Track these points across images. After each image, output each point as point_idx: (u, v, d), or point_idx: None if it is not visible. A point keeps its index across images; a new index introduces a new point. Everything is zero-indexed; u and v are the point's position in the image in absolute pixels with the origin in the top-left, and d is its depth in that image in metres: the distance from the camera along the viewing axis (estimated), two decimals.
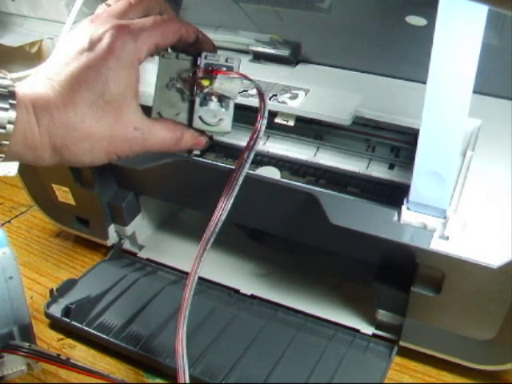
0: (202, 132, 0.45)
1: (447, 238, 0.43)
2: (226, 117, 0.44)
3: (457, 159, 0.43)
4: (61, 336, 0.56)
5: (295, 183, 0.50)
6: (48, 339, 0.55)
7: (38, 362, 0.50)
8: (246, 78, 0.43)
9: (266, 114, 0.44)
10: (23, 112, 0.36)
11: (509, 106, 0.50)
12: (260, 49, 0.61)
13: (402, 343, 0.51)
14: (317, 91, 0.55)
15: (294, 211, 0.50)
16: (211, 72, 0.43)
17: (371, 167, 0.55)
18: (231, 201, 0.45)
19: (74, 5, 0.59)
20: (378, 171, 0.55)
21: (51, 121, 0.37)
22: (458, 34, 0.36)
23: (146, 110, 0.43)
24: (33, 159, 0.38)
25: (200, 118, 0.44)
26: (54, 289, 0.57)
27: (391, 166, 0.55)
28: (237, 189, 0.45)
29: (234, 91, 0.43)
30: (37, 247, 0.68)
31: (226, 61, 0.43)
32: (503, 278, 0.41)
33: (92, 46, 0.38)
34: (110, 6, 0.42)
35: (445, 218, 0.44)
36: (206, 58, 0.43)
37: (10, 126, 0.35)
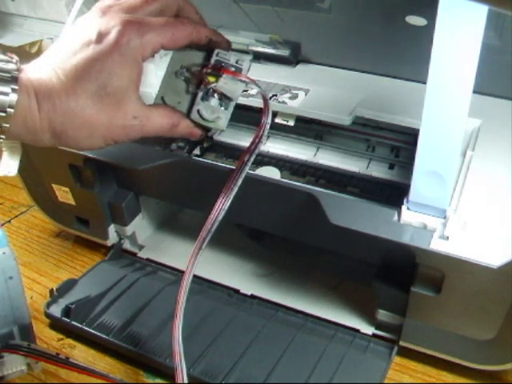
0: (198, 125, 0.45)
1: (447, 238, 0.43)
2: (224, 115, 0.45)
3: (457, 159, 0.43)
4: (61, 336, 0.56)
5: (295, 183, 0.50)
6: (48, 339, 0.55)
7: (38, 362, 0.50)
8: (252, 82, 0.44)
9: (269, 120, 0.44)
10: (25, 97, 0.37)
11: (509, 105, 0.50)
12: (260, 49, 0.61)
13: (402, 343, 0.51)
14: (317, 91, 0.55)
15: (294, 211, 0.50)
16: (219, 70, 0.43)
17: (371, 167, 0.55)
18: (229, 201, 0.45)
19: (73, 5, 0.59)
20: (378, 171, 0.55)
21: (52, 108, 0.38)
22: (458, 34, 0.36)
23: None
24: (32, 141, 0.40)
25: (198, 111, 0.44)
26: (54, 289, 0.57)
27: (391, 166, 0.55)
28: (235, 190, 0.45)
29: (236, 93, 0.44)
30: (37, 247, 0.68)
31: (237, 62, 0.44)
32: (503, 278, 0.41)
33: (99, 39, 0.39)
34: None
35: (445, 217, 0.44)
36: (217, 54, 0.44)
37: (10, 110, 0.36)
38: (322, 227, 0.46)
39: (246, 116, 0.53)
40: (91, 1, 0.58)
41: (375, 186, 0.54)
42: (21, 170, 0.56)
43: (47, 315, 0.56)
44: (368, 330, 0.54)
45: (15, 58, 0.38)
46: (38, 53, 0.68)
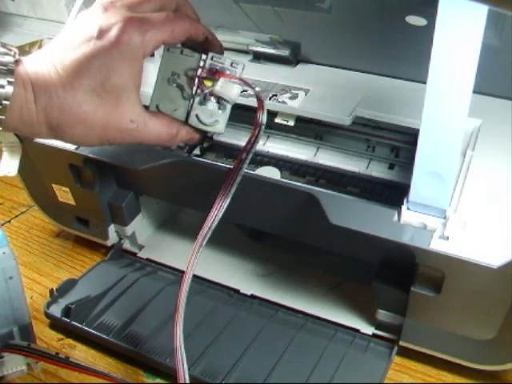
0: (196, 130, 0.45)
1: (447, 238, 0.43)
2: (222, 118, 0.45)
3: (457, 159, 0.43)
4: (61, 336, 0.56)
5: (295, 183, 0.50)
6: (48, 339, 0.55)
7: (38, 362, 0.50)
8: (248, 84, 0.44)
9: (265, 121, 0.44)
10: (21, 90, 0.37)
11: (509, 105, 0.50)
12: (260, 49, 0.61)
13: (401, 343, 0.51)
14: (317, 91, 0.55)
15: (293, 211, 0.50)
16: (215, 74, 0.43)
17: (371, 167, 0.55)
18: (228, 200, 0.45)
19: (74, 5, 0.59)
20: (378, 171, 0.55)
21: (49, 102, 0.38)
22: (458, 34, 0.36)
23: (147, 108, 0.43)
24: (30, 133, 0.40)
25: (197, 116, 0.44)
26: (54, 289, 0.57)
27: (391, 166, 0.55)
28: (234, 189, 0.45)
29: (233, 96, 0.44)
30: (37, 247, 0.68)
31: (231, 65, 0.44)
32: (503, 278, 0.41)
33: (100, 35, 0.39)
34: None
35: (445, 217, 0.44)
36: (212, 58, 0.44)
37: (5, 102, 0.36)
38: (322, 227, 0.46)
39: (246, 116, 0.53)
40: (91, 1, 0.58)
41: (375, 186, 0.54)
42: (21, 170, 0.56)
43: (47, 315, 0.56)
44: (368, 330, 0.54)
45: (14, 50, 0.38)
46: None
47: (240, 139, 0.58)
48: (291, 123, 0.55)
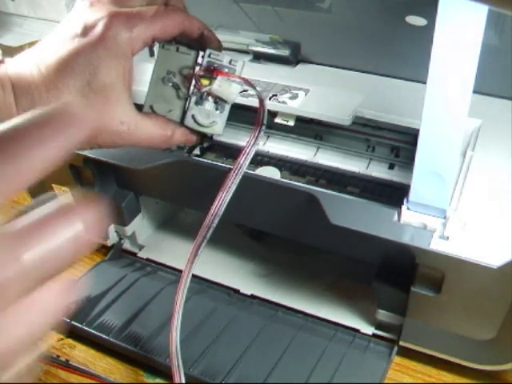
0: (193, 131, 0.44)
1: (447, 238, 0.42)
2: (220, 119, 0.43)
3: (457, 159, 0.43)
4: (61, 336, 0.56)
5: (295, 183, 0.50)
6: (48, 339, 0.55)
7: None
8: (248, 83, 0.42)
9: (265, 121, 0.43)
10: None
11: (509, 105, 0.50)
12: (260, 49, 0.61)
13: (402, 343, 0.51)
14: (317, 91, 0.55)
15: (294, 211, 0.50)
16: (212, 72, 0.41)
17: (371, 167, 0.55)
18: (225, 204, 0.44)
19: (74, 5, 0.59)
20: (378, 171, 0.55)
21: (31, 103, 0.36)
22: (458, 33, 0.36)
23: (141, 109, 0.42)
24: None
25: (193, 116, 0.42)
26: None
27: (391, 166, 0.55)
28: (234, 188, 0.45)
29: (231, 95, 0.42)
30: None
31: (230, 62, 0.42)
32: (503, 278, 0.41)
33: (85, 32, 0.37)
34: None
35: (445, 217, 0.43)
36: (209, 56, 0.42)
37: None
38: (322, 227, 0.46)
39: (246, 116, 0.53)
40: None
41: (375, 186, 0.54)
42: None
43: None
44: (368, 329, 0.54)
45: None
46: None
47: (240, 139, 0.58)
48: (291, 123, 0.55)
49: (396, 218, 0.45)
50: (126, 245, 0.66)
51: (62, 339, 0.55)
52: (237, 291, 0.59)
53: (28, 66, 0.37)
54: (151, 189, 0.61)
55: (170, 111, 0.43)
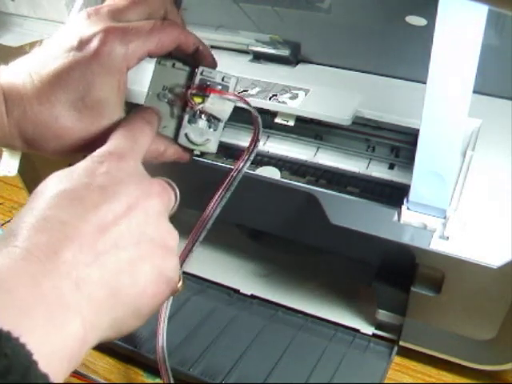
0: (186, 149, 0.43)
1: (447, 238, 0.42)
2: (213, 137, 0.43)
3: (457, 159, 0.43)
4: None
5: (295, 183, 0.50)
6: None
7: None
8: (242, 100, 0.41)
9: (260, 137, 0.43)
10: None
11: (509, 105, 0.50)
12: (260, 49, 0.61)
13: (402, 343, 0.51)
14: (317, 91, 0.55)
15: (294, 211, 0.50)
16: (205, 89, 0.41)
17: (371, 167, 0.55)
18: (220, 207, 0.44)
19: (74, 5, 0.59)
20: (378, 171, 0.55)
21: (22, 115, 0.35)
22: (458, 33, 0.36)
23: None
24: (4, 145, 0.38)
25: (186, 135, 0.42)
26: None
27: (391, 166, 0.55)
28: (231, 190, 0.44)
29: (224, 113, 0.41)
30: None
31: (223, 79, 0.41)
32: (503, 278, 0.41)
33: (80, 46, 0.36)
34: None
35: (445, 217, 0.43)
36: (202, 73, 0.41)
37: None
38: (322, 227, 0.46)
39: (246, 116, 0.52)
40: (91, 1, 0.58)
41: (375, 186, 0.54)
42: (21, 170, 0.56)
43: None
44: (368, 329, 0.54)
45: None
46: None
47: (240, 139, 0.58)
48: (291, 123, 0.55)
49: (396, 217, 0.45)
50: None
51: None
52: (237, 291, 0.59)
53: (22, 76, 0.36)
54: None
55: (164, 127, 0.42)
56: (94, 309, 0.27)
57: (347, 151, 0.57)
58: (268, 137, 0.59)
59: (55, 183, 0.31)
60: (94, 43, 0.36)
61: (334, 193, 0.49)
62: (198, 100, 0.41)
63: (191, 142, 0.42)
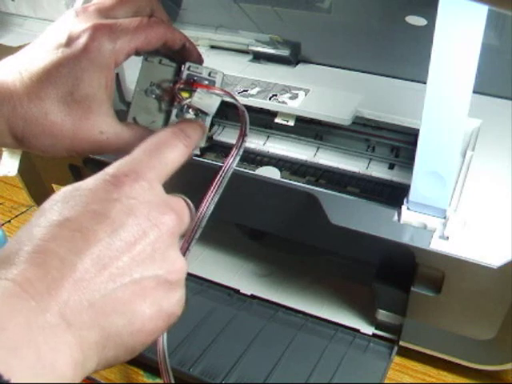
0: None
1: (447, 237, 0.43)
2: None
3: (457, 159, 0.43)
4: None
5: (295, 183, 0.50)
6: None
7: None
8: (228, 94, 0.42)
9: (248, 132, 0.42)
10: None
11: (509, 105, 0.50)
12: (260, 49, 0.61)
13: (402, 343, 0.51)
14: (317, 91, 0.55)
15: (294, 211, 0.50)
16: (192, 84, 0.41)
17: (371, 167, 0.55)
18: (212, 205, 0.44)
19: (73, 5, 0.59)
20: (378, 171, 0.55)
21: (12, 112, 0.36)
22: (458, 33, 0.36)
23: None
24: None
25: None
26: None
27: (391, 166, 0.55)
28: (223, 186, 0.44)
29: (211, 107, 0.42)
30: None
31: (209, 75, 0.42)
32: (503, 278, 0.41)
33: (69, 42, 0.37)
34: None
35: (445, 217, 0.44)
36: (188, 68, 0.42)
37: None
38: (322, 227, 0.46)
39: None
40: (91, 1, 0.58)
41: (375, 186, 0.54)
42: (21, 170, 0.56)
43: None
44: (368, 329, 0.54)
45: None
46: None
47: None
48: (291, 123, 0.55)
49: (396, 217, 0.45)
50: None
51: None
52: (237, 291, 0.59)
53: (11, 73, 0.37)
54: None
55: (152, 122, 0.43)
56: (84, 351, 0.27)
57: (347, 151, 0.57)
58: (268, 137, 0.59)
59: (60, 207, 0.29)
60: (83, 39, 0.37)
61: (333, 193, 0.49)
62: (185, 95, 0.42)
63: None
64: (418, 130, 0.42)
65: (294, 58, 0.60)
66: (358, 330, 0.54)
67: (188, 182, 0.56)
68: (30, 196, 0.67)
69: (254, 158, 0.58)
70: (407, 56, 0.53)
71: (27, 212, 0.75)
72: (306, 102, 0.53)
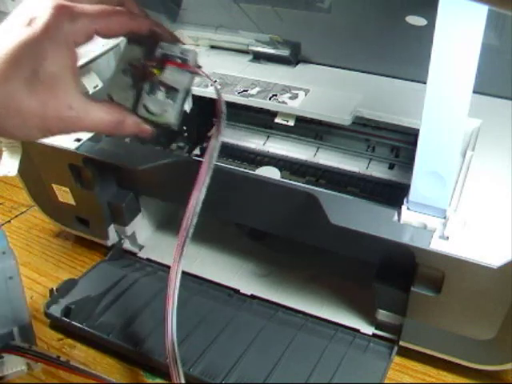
0: (147, 121, 0.44)
1: (447, 237, 0.43)
2: (171, 108, 0.43)
3: (457, 159, 0.43)
4: (61, 336, 0.56)
5: (295, 183, 0.50)
6: (48, 339, 0.55)
7: (38, 362, 0.50)
8: (198, 72, 0.43)
9: (224, 108, 0.43)
10: None
11: (509, 105, 0.50)
12: (260, 49, 0.61)
13: (401, 343, 0.51)
14: (317, 91, 0.55)
15: (294, 211, 0.50)
16: (164, 62, 0.42)
17: (371, 167, 0.55)
18: (202, 195, 0.44)
19: None
20: (378, 171, 0.55)
21: None
22: (458, 33, 0.36)
23: None
24: None
25: (145, 105, 0.43)
26: (54, 289, 0.57)
27: (391, 166, 0.55)
28: (207, 181, 0.44)
29: (182, 84, 0.42)
30: (37, 247, 0.68)
31: (182, 53, 0.43)
32: (503, 278, 0.41)
33: (31, 22, 0.38)
34: None
35: (445, 217, 0.44)
36: (162, 47, 0.43)
37: None
38: (322, 227, 0.47)
39: (245, 116, 0.53)
40: None
41: (375, 186, 0.54)
42: (21, 170, 0.57)
43: (47, 315, 0.56)
44: (368, 329, 0.54)
45: None
46: None
47: (240, 139, 0.58)
48: (291, 123, 0.55)
49: (396, 217, 0.45)
50: (126, 245, 0.66)
51: (61, 339, 0.55)
52: (237, 291, 0.59)
53: None
54: (151, 189, 0.61)
55: (125, 100, 0.43)
56: None
57: (347, 151, 0.57)
58: (268, 137, 0.59)
59: None
60: (43, 19, 0.38)
61: (333, 193, 0.49)
62: (156, 72, 0.42)
63: (150, 113, 0.43)
64: (418, 130, 0.42)
65: (294, 58, 0.60)
66: (357, 330, 0.54)
67: (187, 181, 0.56)
68: (30, 196, 0.67)
69: (254, 158, 0.59)
70: (407, 56, 0.53)
71: (27, 212, 0.75)
72: (306, 102, 0.53)
